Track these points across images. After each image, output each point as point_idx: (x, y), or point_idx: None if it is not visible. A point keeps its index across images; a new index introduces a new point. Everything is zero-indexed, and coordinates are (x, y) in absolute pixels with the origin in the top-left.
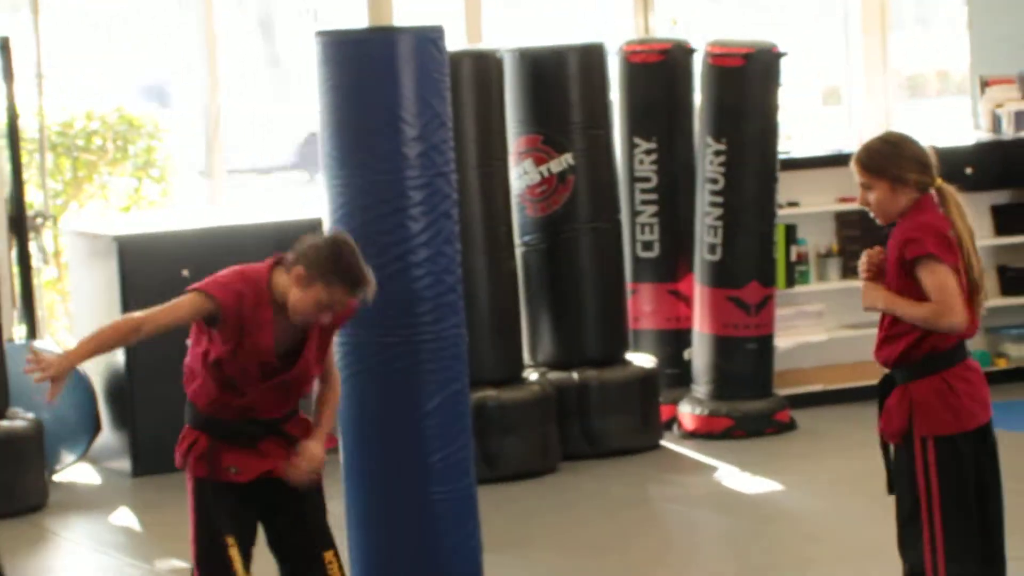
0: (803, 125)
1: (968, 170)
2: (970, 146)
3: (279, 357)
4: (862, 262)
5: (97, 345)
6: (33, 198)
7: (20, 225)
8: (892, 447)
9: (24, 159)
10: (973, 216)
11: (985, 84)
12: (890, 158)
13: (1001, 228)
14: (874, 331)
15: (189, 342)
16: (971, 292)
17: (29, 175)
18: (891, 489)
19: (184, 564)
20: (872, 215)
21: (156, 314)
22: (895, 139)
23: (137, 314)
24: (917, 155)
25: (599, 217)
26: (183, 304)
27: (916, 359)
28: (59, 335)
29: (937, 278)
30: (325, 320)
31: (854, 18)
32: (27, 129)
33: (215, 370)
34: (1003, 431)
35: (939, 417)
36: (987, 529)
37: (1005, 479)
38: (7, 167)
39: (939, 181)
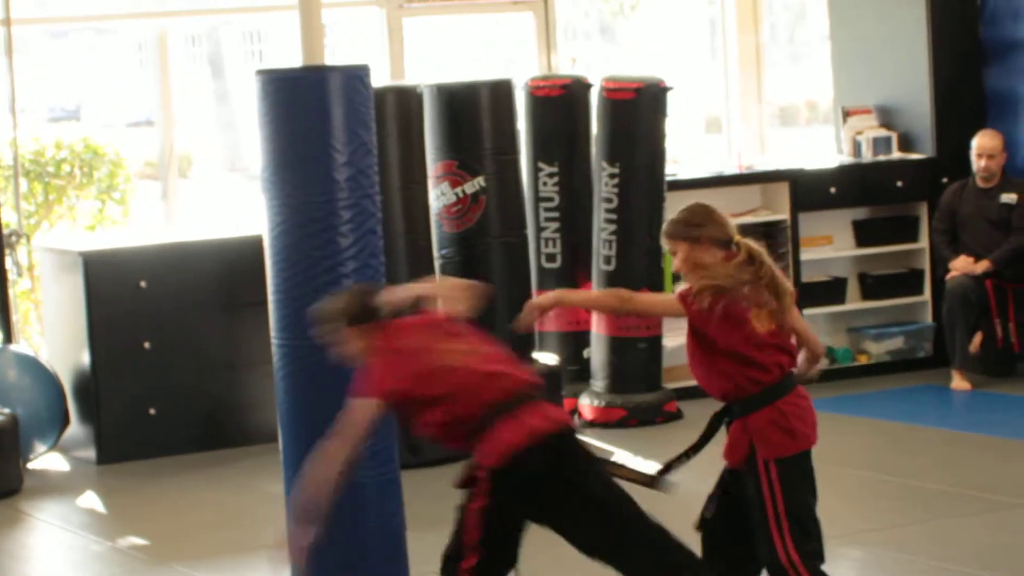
0: (688, 151)
1: (832, 190)
2: (834, 168)
3: None
4: None
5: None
6: (9, 218)
7: None
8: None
9: (1, 184)
10: (838, 229)
11: (847, 114)
12: (682, 223)
13: (860, 240)
14: None
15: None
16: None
17: (5, 198)
18: (699, 525)
19: (142, 541)
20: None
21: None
22: (686, 208)
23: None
24: (702, 213)
25: (508, 232)
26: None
27: (751, 392)
28: (32, 339)
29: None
30: None
31: (732, 56)
32: (3, 157)
33: None
34: (865, 418)
35: (777, 441)
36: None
37: (867, 461)
38: None
39: (737, 236)
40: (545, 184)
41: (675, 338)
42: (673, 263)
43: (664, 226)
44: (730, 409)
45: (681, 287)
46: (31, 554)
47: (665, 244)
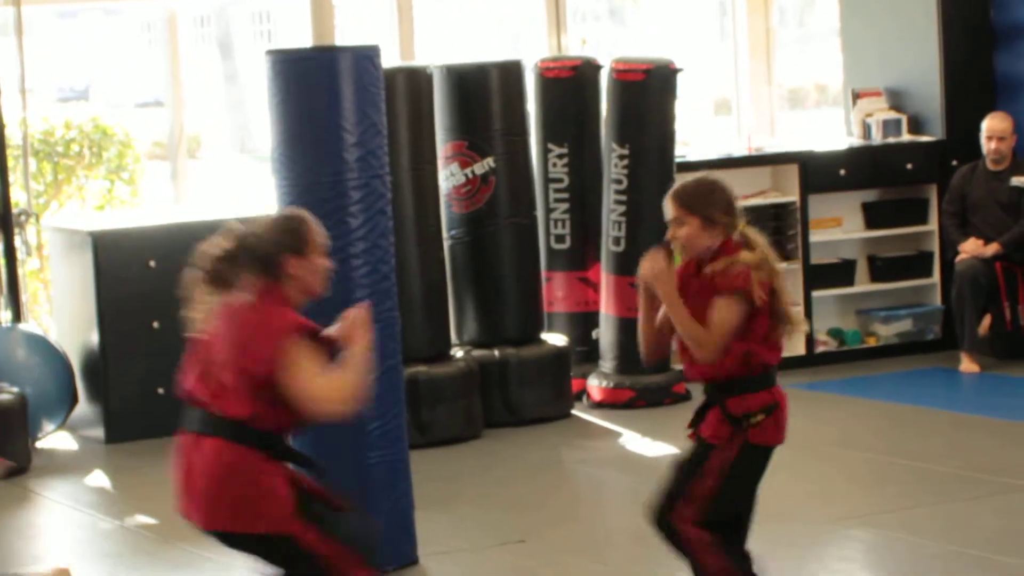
0: (697, 133)
1: (842, 172)
2: (844, 151)
3: None
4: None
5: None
6: (18, 198)
7: (6, 221)
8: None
9: (10, 163)
10: (847, 211)
11: (856, 96)
12: (703, 199)
13: (870, 222)
14: None
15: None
16: (776, 322)
17: (15, 178)
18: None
19: (150, 520)
20: (679, 248)
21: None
22: (709, 182)
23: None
24: (726, 199)
25: (517, 213)
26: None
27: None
28: (41, 319)
29: (727, 315)
30: None
31: (742, 38)
32: (13, 137)
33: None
34: (874, 401)
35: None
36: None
37: (875, 443)
38: None
39: (743, 225)
40: (555, 165)
41: None
42: (671, 229)
43: (678, 191)
44: (724, 387)
45: (725, 280)
46: (39, 533)
47: (671, 208)
